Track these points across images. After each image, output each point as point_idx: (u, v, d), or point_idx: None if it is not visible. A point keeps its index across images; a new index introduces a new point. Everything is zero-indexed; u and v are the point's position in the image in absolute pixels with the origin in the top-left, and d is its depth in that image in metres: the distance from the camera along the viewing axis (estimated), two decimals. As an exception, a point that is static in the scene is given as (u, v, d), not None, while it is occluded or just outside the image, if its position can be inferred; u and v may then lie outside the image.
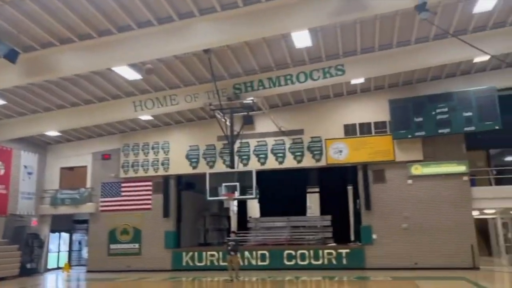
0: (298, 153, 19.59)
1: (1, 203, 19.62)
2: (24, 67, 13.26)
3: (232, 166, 16.91)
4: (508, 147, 20.56)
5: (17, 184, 20.63)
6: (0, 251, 18.33)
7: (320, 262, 18.52)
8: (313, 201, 27.41)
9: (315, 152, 19.40)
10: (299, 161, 19.56)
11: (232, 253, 15.15)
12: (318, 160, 19.34)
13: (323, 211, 23.30)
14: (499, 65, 17.29)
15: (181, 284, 16.00)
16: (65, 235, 24.40)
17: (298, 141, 19.67)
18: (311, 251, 18.76)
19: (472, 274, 15.62)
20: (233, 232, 16.28)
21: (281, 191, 22.56)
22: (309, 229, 21.56)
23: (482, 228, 22.55)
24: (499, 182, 18.74)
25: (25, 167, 21.28)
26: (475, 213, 18.39)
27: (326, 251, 18.68)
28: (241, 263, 17.81)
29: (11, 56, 11.39)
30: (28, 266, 19.95)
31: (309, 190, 26.20)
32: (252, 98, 16.21)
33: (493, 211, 20.15)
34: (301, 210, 24.18)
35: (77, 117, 18.56)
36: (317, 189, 25.58)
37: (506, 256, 19.80)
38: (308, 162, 19.48)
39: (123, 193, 21.48)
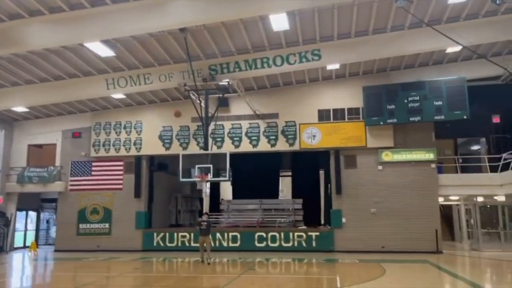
0: (272, 137, 19.68)
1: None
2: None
3: (206, 148, 16.87)
4: (474, 136, 21.29)
5: (-19, 161, 19.97)
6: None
7: (290, 244, 18.82)
8: (285, 184, 27.71)
9: (289, 136, 19.54)
10: (273, 145, 19.67)
11: (203, 233, 15.16)
12: (291, 144, 19.51)
13: (295, 195, 23.62)
14: (470, 56, 17.75)
15: (152, 264, 16.00)
16: (32, 214, 23.87)
17: (272, 125, 19.75)
18: (282, 234, 19.04)
19: (435, 258, 16.26)
20: (206, 213, 16.29)
21: (254, 174, 22.69)
22: (280, 212, 21.84)
23: (446, 213, 23.41)
24: (464, 170, 19.41)
25: (-9, 143, 20.59)
26: (440, 199, 19.05)
27: (296, 233, 18.99)
28: (212, 244, 17.93)
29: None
30: (-6, 244, 19.50)
31: (282, 173, 26.45)
32: (227, 80, 16.10)
33: (457, 197, 20.90)
34: (274, 193, 24.43)
35: (47, 93, 18.04)
36: (289, 173, 25.86)
37: (468, 241, 20.66)
38: (281, 146, 19.61)
39: (94, 173, 21.12)
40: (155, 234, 20.05)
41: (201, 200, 24.39)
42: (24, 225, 23.18)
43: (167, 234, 19.99)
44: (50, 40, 13.47)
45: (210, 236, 15.55)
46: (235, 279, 11.79)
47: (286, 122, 19.63)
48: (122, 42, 14.93)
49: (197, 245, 16.11)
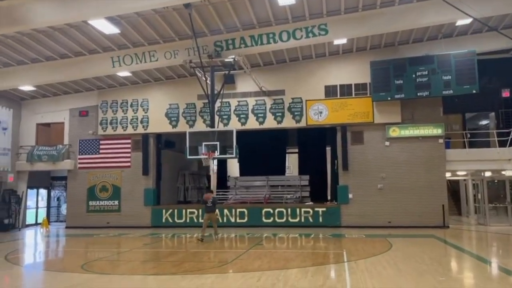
0: (279, 114, 19.62)
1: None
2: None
3: (212, 126, 16.88)
4: (483, 111, 21.06)
5: (-10, 140, 20.18)
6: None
7: (297, 220, 18.98)
8: (292, 161, 27.81)
9: (296, 113, 19.46)
10: (279, 122, 19.62)
11: (209, 211, 15.24)
12: (298, 121, 19.44)
13: (302, 171, 23.70)
14: (480, 29, 17.39)
15: (161, 240, 16.28)
16: (43, 192, 24.24)
17: (279, 101, 19.64)
18: (289, 210, 19.20)
19: (441, 232, 16.35)
20: (211, 191, 16.30)
21: (261, 151, 22.79)
22: (287, 188, 21.99)
23: (454, 188, 23.42)
24: (473, 145, 19.29)
25: (-1, 122, 20.75)
26: (447, 174, 19.01)
27: (303, 209, 19.13)
28: (220, 220, 18.17)
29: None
30: (6, 221, 19.87)
31: (288, 150, 26.51)
32: (233, 56, 15.96)
33: (465, 172, 20.85)
34: (280, 170, 24.54)
35: (53, 72, 18.02)
36: (296, 150, 25.90)
37: (475, 216, 20.72)
38: (288, 122, 19.56)
39: (102, 151, 21.30)
40: (163, 211, 20.33)
41: (208, 177, 24.59)
42: (36, 202, 23.58)
43: (176, 210, 20.25)
44: (54, 18, 13.35)
45: (216, 213, 15.65)
46: (243, 254, 11.98)
47: (293, 98, 19.52)
48: (127, 19, 14.80)
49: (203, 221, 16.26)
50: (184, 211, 20.13)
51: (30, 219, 22.70)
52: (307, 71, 19.50)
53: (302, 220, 18.95)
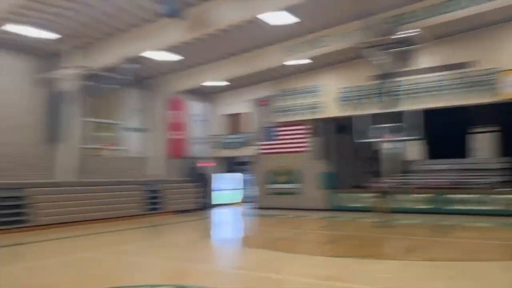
0: (463, 89, 17.47)
1: (181, 147, 22.83)
2: (187, 23, 14.46)
3: (387, 107, 16.14)
4: None
5: (190, 131, 23.55)
6: (184, 188, 21.53)
7: (492, 207, 16.75)
8: (483, 141, 24.55)
9: (487, 86, 17.03)
10: (465, 98, 17.44)
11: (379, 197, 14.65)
12: (490, 96, 16.96)
13: (498, 153, 20.75)
14: None
15: (337, 223, 16.44)
16: (230, 175, 26.90)
17: (463, 75, 17.50)
18: (481, 196, 17.08)
19: None
20: (378, 176, 15.57)
21: (444, 132, 20.71)
22: (478, 172, 19.56)
23: None
24: None
25: (196, 115, 24.09)
26: None
27: (500, 196, 16.76)
28: (397, 206, 17.29)
29: (177, 13, 12.53)
30: (202, 201, 22.79)
31: (478, 129, 23.47)
32: (407, 31, 14.83)
33: None
34: (468, 152, 21.98)
35: (235, 67, 19.70)
36: (489, 129, 22.73)
37: None
38: (476, 98, 17.23)
39: (280, 137, 22.56)
40: (340, 195, 20.47)
41: (382, 161, 23.72)
42: (223, 185, 26.29)
43: (351, 194, 20.18)
44: (235, 17, 14.43)
45: (387, 199, 14.88)
46: (426, 242, 11.21)
47: (483, 70, 17.09)
48: (298, 7, 15.07)
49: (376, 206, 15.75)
50: (360, 195, 19.86)
51: (220, 199, 25.46)
52: (497, 38, 16.83)
53: (499, 207, 16.62)
